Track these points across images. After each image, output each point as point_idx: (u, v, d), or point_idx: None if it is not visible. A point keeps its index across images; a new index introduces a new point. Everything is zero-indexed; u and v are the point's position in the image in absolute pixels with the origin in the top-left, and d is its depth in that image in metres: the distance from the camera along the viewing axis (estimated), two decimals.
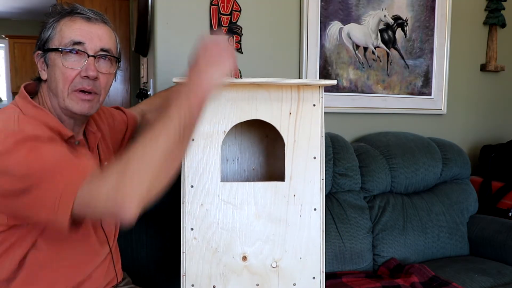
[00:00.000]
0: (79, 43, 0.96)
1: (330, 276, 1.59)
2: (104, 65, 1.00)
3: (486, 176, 2.13)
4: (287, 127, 1.07)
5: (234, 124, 1.07)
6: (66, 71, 0.95)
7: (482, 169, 2.21)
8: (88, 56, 0.96)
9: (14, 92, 5.78)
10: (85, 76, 0.96)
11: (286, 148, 1.07)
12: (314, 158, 1.08)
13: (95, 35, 0.98)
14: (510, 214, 1.94)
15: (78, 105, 0.97)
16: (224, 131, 1.06)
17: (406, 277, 1.57)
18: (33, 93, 1.02)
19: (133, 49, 2.43)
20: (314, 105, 1.09)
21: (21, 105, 0.95)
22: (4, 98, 6.07)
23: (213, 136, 1.05)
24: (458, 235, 1.88)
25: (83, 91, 0.97)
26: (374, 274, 1.68)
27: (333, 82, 1.08)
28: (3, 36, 5.78)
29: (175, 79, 1.02)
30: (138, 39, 2.10)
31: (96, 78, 0.98)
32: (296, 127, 1.08)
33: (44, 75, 0.99)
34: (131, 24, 2.80)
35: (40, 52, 0.99)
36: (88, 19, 0.98)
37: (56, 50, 0.95)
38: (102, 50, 0.99)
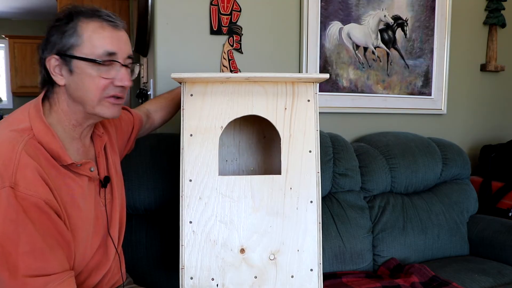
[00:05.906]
0: (112, 53, 0.95)
1: (330, 276, 1.59)
2: (130, 72, 1.03)
3: (486, 176, 2.13)
4: (283, 122, 1.09)
5: (231, 119, 1.08)
6: (100, 80, 0.95)
7: (482, 169, 2.21)
8: (122, 65, 0.97)
9: (14, 92, 5.77)
10: (119, 86, 0.97)
11: (282, 142, 1.08)
12: (310, 151, 1.09)
13: (123, 43, 0.98)
14: (510, 214, 1.94)
15: (110, 110, 0.99)
16: (222, 126, 1.07)
17: (406, 277, 1.57)
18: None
19: (133, 49, 2.43)
20: (308, 100, 1.10)
21: (32, 117, 0.93)
22: (4, 98, 6.06)
23: (210, 131, 1.07)
24: (458, 235, 1.88)
25: (114, 97, 0.98)
26: (374, 274, 1.68)
27: (326, 76, 1.08)
28: (3, 36, 5.77)
29: (173, 75, 1.03)
30: (138, 39, 2.10)
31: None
32: (291, 122, 1.09)
33: (61, 81, 0.96)
34: (131, 24, 2.80)
35: (57, 57, 0.94)
36: (116, 26, 0.97)
37: (90, 60, 0.93)
38: (128, 57, 1.00)
